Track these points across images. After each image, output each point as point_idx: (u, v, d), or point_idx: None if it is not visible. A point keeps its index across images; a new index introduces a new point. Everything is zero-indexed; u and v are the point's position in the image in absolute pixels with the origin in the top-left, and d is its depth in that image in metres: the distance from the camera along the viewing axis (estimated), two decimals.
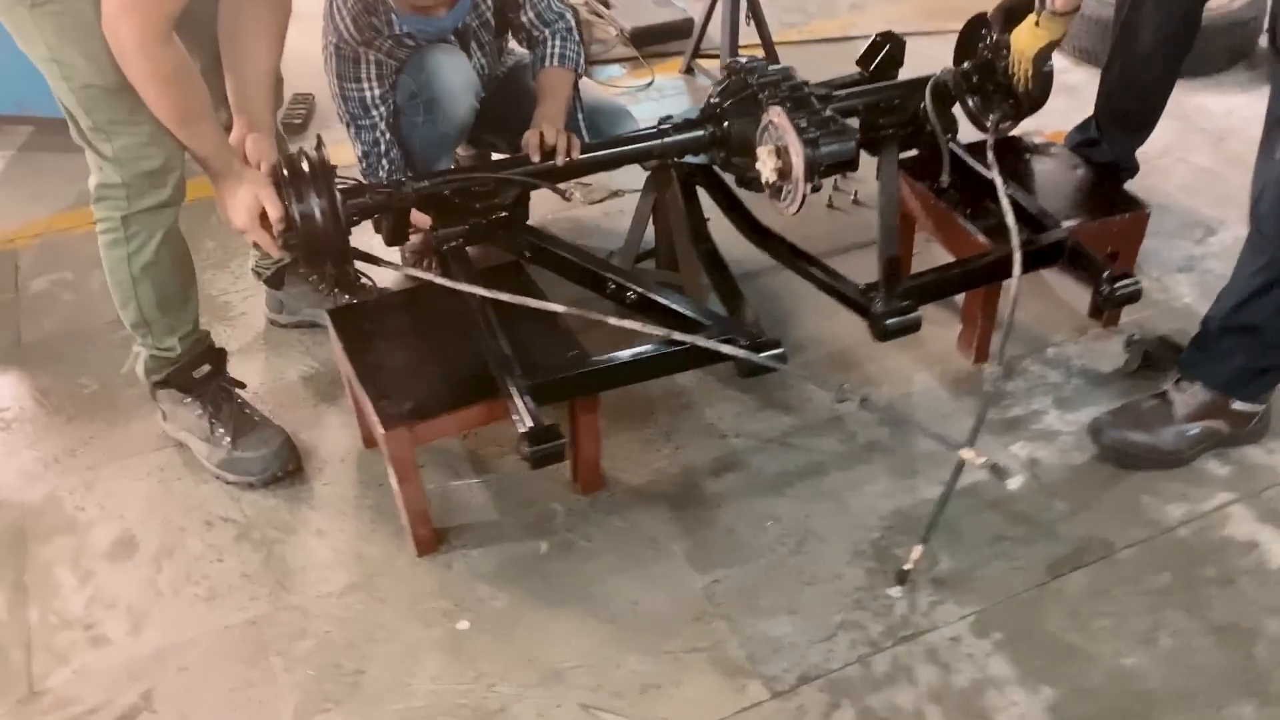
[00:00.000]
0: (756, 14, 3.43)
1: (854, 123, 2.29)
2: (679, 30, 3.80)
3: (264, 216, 1.88)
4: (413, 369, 1.95)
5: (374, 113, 2.38)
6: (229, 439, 2.13)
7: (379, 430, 1.86)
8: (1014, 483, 1.66)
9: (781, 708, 1.73)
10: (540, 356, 1.94)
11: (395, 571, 1.97)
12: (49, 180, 3.08)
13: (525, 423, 1.75)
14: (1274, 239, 1.91)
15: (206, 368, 2.14)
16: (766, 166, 2.10)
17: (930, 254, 2.57)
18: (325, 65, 2.37)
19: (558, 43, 2.42)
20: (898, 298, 2.03)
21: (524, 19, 2.43)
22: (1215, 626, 1.82)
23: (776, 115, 2.09)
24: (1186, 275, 2.62)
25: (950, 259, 2.34)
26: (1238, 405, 2.07)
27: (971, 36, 2.48)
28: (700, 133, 2.27)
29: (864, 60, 2.56)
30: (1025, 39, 2.27)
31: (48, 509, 2.13)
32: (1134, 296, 2.08)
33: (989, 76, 2.41)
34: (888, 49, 2.53)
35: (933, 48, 2.45)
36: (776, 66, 2.25)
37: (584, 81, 2.55)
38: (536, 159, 2.17)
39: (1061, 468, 2.13)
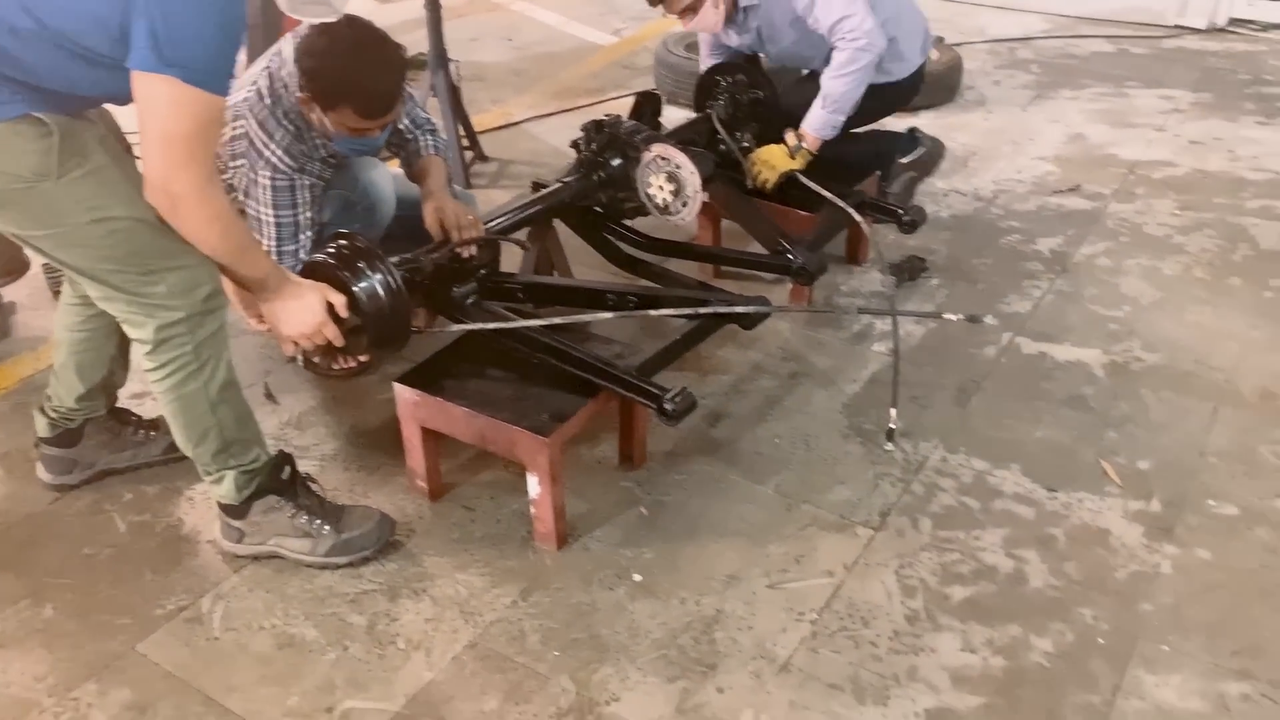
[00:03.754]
0: (462, 115, 4.01)
1: None
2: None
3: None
4: (518, 395, 2.29)
5: (300, 236, 2.60)
6: (329, 527, 2.26)
7: (532, 443, 2.18)
8: (990, 319, 2.47)
9: (886, 535, 2.36)
10: (604, 355, 2.38)
11: (550, 568, 2.28)
12: None
13: (660, 391, 2.22)
14: None
15: (288, 469, 2.25)
16: (663, 191, 2.74)
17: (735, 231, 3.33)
18: (255, 197, 2.55)
19: (430, 137, 2.83)
20: (808, 252, 2.77)
21: (401, 125, 2.81)
22: (1062, 400, 2.78)
23: (663, 150, 2.74)
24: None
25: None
26: None
27: (707, 86, 3.32)
28: (590, 180, 2.83)
29: (635, 115, 3.27)
30: (779, 160, 3.07)
31: (174, 652, 2.10)
32: (923, 218, 3.02)
33: (739, 108, 3.26)
34: (650, 106, 3.27)
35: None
36: (627, 122, 2.88)
37: None
38: (444, 232, 2.53)
39: (912, 347, 2.99)
